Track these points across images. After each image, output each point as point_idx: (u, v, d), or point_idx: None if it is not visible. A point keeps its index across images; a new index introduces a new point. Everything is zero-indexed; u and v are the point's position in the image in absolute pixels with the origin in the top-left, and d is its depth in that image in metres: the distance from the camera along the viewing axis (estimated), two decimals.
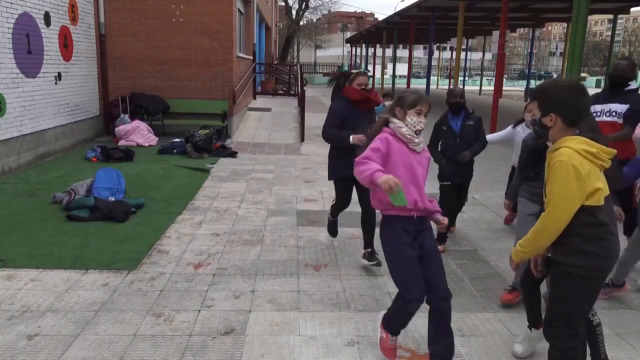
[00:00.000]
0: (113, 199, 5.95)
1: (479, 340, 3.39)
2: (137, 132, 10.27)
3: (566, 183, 2.27)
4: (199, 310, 3.68)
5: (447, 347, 2.94)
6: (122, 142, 9.95)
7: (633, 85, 4.79)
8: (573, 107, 2.35)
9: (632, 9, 19.85)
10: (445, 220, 3.08)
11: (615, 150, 2.48)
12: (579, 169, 2.25)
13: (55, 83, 9.03)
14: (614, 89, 4.83)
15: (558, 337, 2.51)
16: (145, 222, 5.56)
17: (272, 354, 3.15)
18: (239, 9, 13.91)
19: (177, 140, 9.90)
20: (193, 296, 3.90)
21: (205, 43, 11.51)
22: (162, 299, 3.83)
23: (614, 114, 4.78)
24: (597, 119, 4.64)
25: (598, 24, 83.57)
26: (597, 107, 4.86)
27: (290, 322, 3.53)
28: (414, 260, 2.87)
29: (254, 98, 17.61)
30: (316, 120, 15.82)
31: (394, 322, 3.03)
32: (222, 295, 3.94)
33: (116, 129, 10.27)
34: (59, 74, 9.17)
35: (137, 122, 10.49)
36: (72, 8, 9.72)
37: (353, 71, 4.54)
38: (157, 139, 10.59)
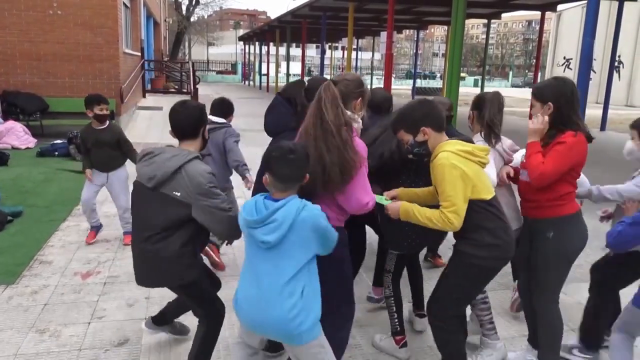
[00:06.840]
0: None
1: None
2: (11, 134, 9.44)
3: (450, 180, 2.43)
4: (89, 323, 3.47)
5: None
6: None
7: None
8: (433, 114, 2.60)
9: (503, 15, 21.64)
10: None
11: (488, 148, 2.70)
12: (458, 166, 2.44)
13: None
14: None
15: (441, 316, 2.68)
16: (24, 232, 5.13)
17: None
18: (124, 3, 13.23)
19: (58, 141, 9.21)
20: (82, 308, 3.67)
21: (88, 38, 10.79)
22: (47, 314, 3.57)
23: None
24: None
25: (474, 27, 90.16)
26: None
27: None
28: None
29: (144, 96, 16.88)
30: None
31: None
32: (115, 304, 3.75)
33: None
34: None
35: (11, 123, 9.63)
36: None
37: None
38: (36, 140, 9.80)
